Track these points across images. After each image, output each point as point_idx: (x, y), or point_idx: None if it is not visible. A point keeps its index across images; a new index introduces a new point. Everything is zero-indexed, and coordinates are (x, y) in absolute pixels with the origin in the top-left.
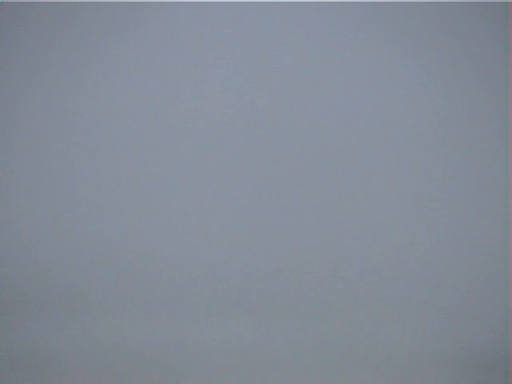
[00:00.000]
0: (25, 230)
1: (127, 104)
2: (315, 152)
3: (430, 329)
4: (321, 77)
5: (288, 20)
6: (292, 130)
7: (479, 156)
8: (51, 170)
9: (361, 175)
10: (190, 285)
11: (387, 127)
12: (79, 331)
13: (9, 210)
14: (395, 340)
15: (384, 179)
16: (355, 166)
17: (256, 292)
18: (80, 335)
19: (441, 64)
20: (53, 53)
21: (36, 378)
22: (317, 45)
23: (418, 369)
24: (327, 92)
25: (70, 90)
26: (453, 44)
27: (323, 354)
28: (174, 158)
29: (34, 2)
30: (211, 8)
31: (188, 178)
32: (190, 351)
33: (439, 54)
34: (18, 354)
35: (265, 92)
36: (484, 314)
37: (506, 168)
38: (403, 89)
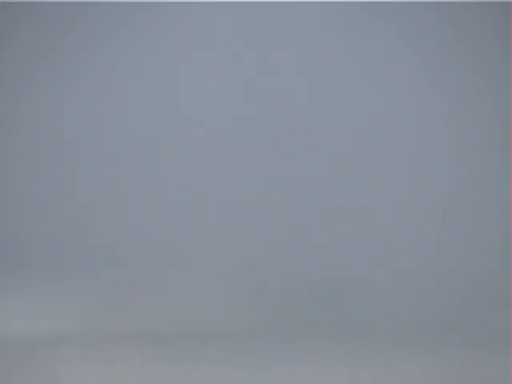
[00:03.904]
0: (25, 232)
1: (127, 106)
2: (317, 153)
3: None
4: (321, 78)
5: (288, 20)
6: (294, 131)
7: (479, 156)
8: (51, 173)
9: (361, 176)
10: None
11: (386, 128)
12: None
13: (8, 217)
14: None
15: (385, 181)
16: (354, 167)
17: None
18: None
19: (441, 64)
20: (52, 53)
21: None
22: (318, 45)
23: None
24: (328, 93)
25: (70, 89)
26: (453, 44)
27: (318, 363)
28: (174, 160)
29: (34, 2)
30: (212, 9)
31: (189, 181)
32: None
33: (440, 53)
34: None
35: (265, 93)
36: (484, 324)
37: (506, 168)
38: (403, 89)
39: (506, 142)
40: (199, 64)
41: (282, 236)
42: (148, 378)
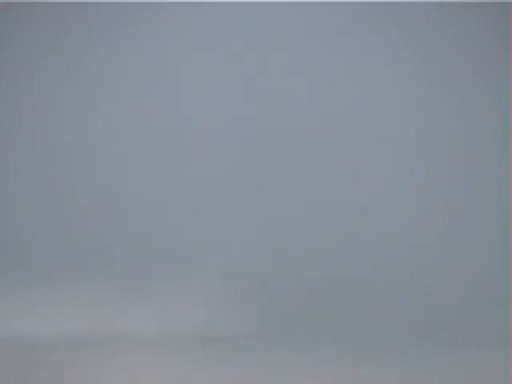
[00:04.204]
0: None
1: (127, 106)
2: (317, 153)
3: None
4: (321, 78)
5: (288, 20)
6: (294, 131)
7: (479, 156)
8: (51, 173)
9: (361, 176)
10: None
11: (386, 128)
12: None
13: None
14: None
15: (385, 181)
16: (354, 167)
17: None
18: None
19: (441, 64)
20: (52, 53)
21: None
22: (318, 45)
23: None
24: (328, 93)
25: (70, 89)
26: (453, 44)
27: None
28: (174, 160)
29: (34, 2)
30: (212, 9)
31: (189, 181)
32: None
33: (440, 53)
34: None
35: (265, 93)
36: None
37: (506, 168)
38: (403, 89)
39: (506, 142)
40: (199, 64)
41: (282, 236)
42: (148, 377)
